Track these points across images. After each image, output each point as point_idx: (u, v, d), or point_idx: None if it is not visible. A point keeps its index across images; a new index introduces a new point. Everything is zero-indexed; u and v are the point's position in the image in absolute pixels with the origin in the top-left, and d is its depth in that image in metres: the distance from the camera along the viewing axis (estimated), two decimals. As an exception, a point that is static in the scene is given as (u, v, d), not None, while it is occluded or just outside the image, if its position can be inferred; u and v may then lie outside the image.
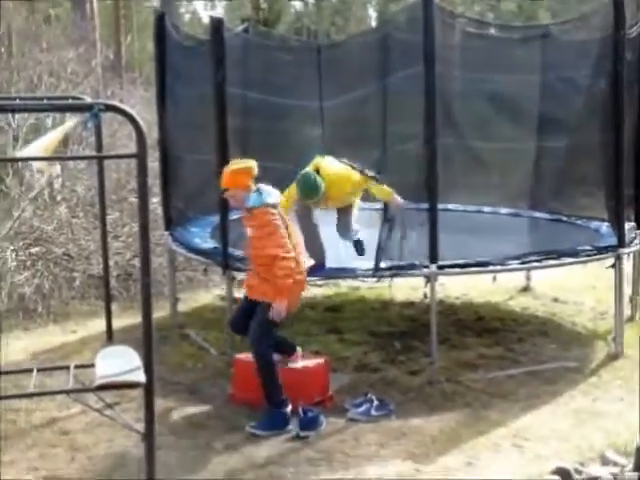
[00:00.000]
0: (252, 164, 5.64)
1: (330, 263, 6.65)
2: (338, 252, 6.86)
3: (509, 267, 6.85)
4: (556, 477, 4.62)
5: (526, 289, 9.06)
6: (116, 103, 4.11)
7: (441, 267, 6.53)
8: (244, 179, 5.59)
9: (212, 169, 6.59)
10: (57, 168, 5.10)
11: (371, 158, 7.99)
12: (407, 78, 7.17)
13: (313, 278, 7.95)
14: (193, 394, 6.08)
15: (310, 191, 6.29)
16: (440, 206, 6.68)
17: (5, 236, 9.16)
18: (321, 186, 6.27)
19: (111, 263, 8.25)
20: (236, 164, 5.70)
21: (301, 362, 6.00)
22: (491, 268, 6.84)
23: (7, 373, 4.80)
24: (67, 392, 4.30)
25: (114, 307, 7.85)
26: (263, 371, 5.56)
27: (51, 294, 8.72)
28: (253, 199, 5.58)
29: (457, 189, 8.47)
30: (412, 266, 6.55)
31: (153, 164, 8.30)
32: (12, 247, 8.99)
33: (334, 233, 6.89)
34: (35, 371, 4.60)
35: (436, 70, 6.34)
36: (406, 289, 8.84)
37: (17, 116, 10.52)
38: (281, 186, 6.01)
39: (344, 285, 9.23)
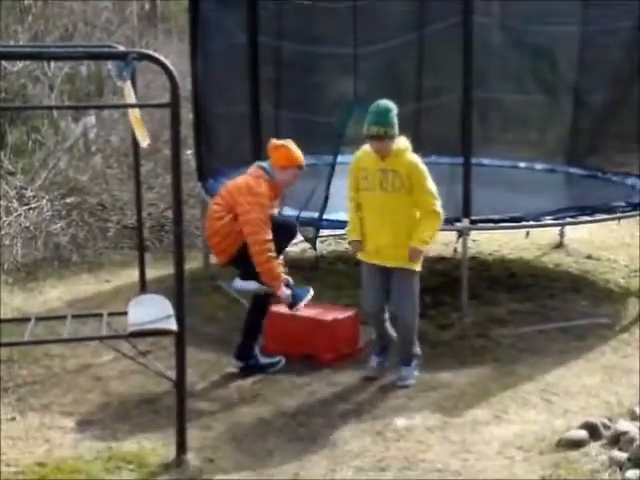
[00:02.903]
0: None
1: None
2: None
3: (543, 223, 6.80)
4: (583, 432, 4.63)
5: (559, 246, 8.98)
6: (150, 52, 4.12)
7: (474, 222, 6.49)
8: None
9: (244, 120, 6.58)
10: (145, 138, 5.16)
11: (405, 111, 7.91)
12: (444, 29, 7.06)
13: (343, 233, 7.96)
14: (224, 345, 6.14)
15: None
16: (474, 160, 6.63)
17: (41, 186, 9.25)
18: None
19: (144, 214, 8.29)
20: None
21: (331, 314, 6.03)
22: (524, 224, 6.80)
23: (42, 319, 4.88)
24: (100, 339, 4.38)
25: (147, 258, 7.89)
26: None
27: (85, 244, 8.81)
28: None
29: (492, 143, 8.40)
30: (445, 220, 6.51)
31: (187, 115, 8.32)
32: (47, 197, 9.08)
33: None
34: (70, 318, 4.69)
35: (474, 20, 6.24)
36: (437, 244, 8.80)
37: (52, 65, 10.57)
38: (311, 138, 5.98)
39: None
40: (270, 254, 5.38)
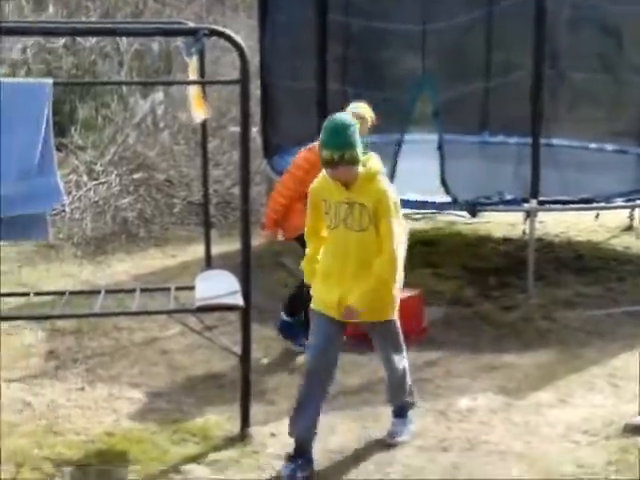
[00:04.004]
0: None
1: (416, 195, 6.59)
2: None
3: (613, 205, 6.68)
4: (651, 418, 4.53)
5: (629, 228, 8.79)
6: (220, 28, 4.13)
7: (542, 203, 6.40)
8: None
9: (311, 97, 6.57)
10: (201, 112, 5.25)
11: (473, 89, 7.83)
12: (515, 4, 6.94)
13: (408, 212, 7.90)
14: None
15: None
16: (544, 140, 6.52)
17: (110, 161, 9.40)
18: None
19: (210, 190, 8.36)
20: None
21: (396, 293, 6.00)
22: (594, 205, 6.68)
23: (111, 292, 4.97)
24: (169, 312, 4.45)
25: (212, 234, 7.97)
26: None
27: (152, 219, 8.93)
28: None
29: (562, 123, 8.23)
30: (512, 201, 6.45)
31: (255, 92, 8.35)
32: (116, 172, 9.22)
33: (422, 162, 6.78)
34: (138, 291, 4.76)
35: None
36: (504, 225, 8.72)
37: (124, 42, 10.69)
38: (376, 116, 5.95)
39: (441, 219, 9.15)
40: (277, 208, 5.53)
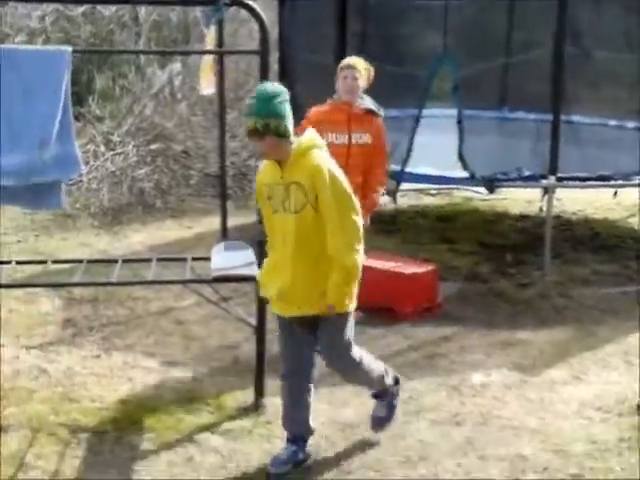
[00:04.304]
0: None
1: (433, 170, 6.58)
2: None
3: (631, 182, 6.63)
4: (666, 397, 4.52)
5: (647, 207, 8.76)
6: (241, -2, 4.11)
7: (560, 179, 6.37)
8: (369, 75, 5.25)
9: (330, 72, 6.53)
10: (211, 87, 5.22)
11: (493, 65, 7.77)
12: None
13: (425, 187, 7.88)
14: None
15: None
16: (563, 117, 6.47)
17: (127, 131, 9.40)
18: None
19: (227, 162, 8.38)
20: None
21: (411, 268, 6.02)
22: (612, 183, 6.65)
23: (128, 262, 4.98)
24: (185, 282, 4.46)
25: (228, 205, 7.97)
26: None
27: (169, 190, 8.96)
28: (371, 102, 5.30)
29: (582, 100, 8.16)
30: (530, 177, 6.42)
31: (272, 65, 8.31)
32: (133, 142, 9.23)
33: (439, 138, 6.75)
34: (155, 261, 4.78)
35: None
36: (521, 202, 8.70)
37: (143, 11, 10.66)
38: (395, 91, 5.92)
39: (457, 195, 9.14)
40: None
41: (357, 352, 3.97)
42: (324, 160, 3.74)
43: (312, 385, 4.03)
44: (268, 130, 3.62)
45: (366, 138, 5.26)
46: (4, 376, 4.80)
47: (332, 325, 3.83)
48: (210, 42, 5.18)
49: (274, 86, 3.74)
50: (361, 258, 3.72)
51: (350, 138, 5.24)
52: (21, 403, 4.48)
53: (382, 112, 5.31)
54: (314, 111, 5.31)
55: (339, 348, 3.89)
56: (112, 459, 3.99)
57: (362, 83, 5.20)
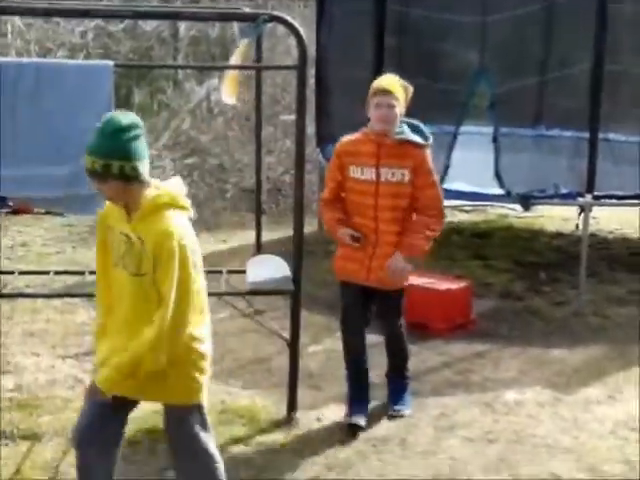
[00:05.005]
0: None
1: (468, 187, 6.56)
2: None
3: (669, 202, 6.57)
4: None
5: (686, 227, 8.67)
6: (280, 14, 4.15)
7: (597, 197, 6.33)
8: (406, 98, 4.34)
9: (365, 87, 6.56)
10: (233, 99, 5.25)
11: (531, 81, 7.75)
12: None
13: (460, 204, 7.86)
14: (334, 309, 6.17)
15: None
16: (600, 135, 6.44)
17: (164, 146, 9.51)
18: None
19: (263, 177, 8.44)
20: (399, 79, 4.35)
21: (445, 284, 6.01)
22: (650, 201, 6.59)
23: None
24: (220, 295, 4.49)
25: (263, 220, 8.05)
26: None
27: (204, 204, 9.03)
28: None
29: (619, 118, 8.11)
30: (567, 195, 6.39)
31: (308, 81, 8.37)
32: (170, 156, 9.33)
33: (475, 155, 6.74)
34: (190, 273, 4.80)
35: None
36: (557, 220, 8.64)
37: (182, 27, 10.80)
38: (432, 107, 5.91)
39: (492, 212, 9.10)
40: (325, 211, 4.54)
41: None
42: (179, 228, 2.96)
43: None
44: (109, 173, 2.90)
45: (400, 175, 4.28)
46: (40, 385, 4.86)
47: (178, 417, 3.20)
48: (239, 56, 5.20)
49: (125, 117, 2.95)
50: (159, 366, 2.96)
51: (378, 174, 4.29)
52: (56, 412, 4.53)
53: (429, 138, 4.35)
54: (341, 141, 4.50)
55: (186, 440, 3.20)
56: (146, 469, 4.03)
57: (400, 110, 4.29)
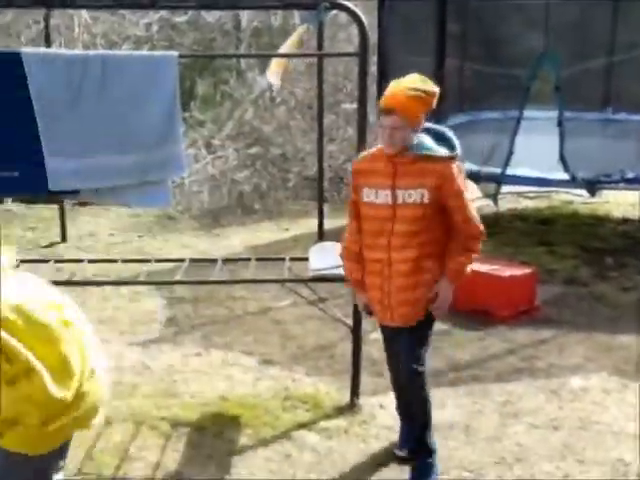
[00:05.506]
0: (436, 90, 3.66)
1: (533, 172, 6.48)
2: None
3: None
4: None
5: None
6: (342, 1, 4.16)
7: (665, 182, 6.22)
8: (420, 108, 3.65)
9: (430, 73, 6.53)
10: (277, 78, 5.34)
11: (597, 65, 7.62)
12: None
13: (524, 190, 7.78)
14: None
15: None
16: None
17: (227, 135, 9.60)
18: None
19: (324, 165, 8.46)
20: (416, 81, 3.68)
21: (509, 271, 5.96)
22: None
23: (228, 261, 5.09)
24: (283, 281, 4.54)
25: (325, 208, 8.08)
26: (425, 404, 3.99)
27: (267, 193, 9.10)
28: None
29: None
30: (634, 179, 6.28)
31: (369, 69, 8.36)
32: (233, 146, 9.42)
33: (540, 140, 6.64)
34: (253, 260, 4.88)
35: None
36: (624, 205, 8.49)
37: (245, 18, 10.87)
38: (495, 93, 5.86)
39: (556, 198, 8.99)
40: (345, 260, 4.03)
41: None
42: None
43: None
44: None
45: (419, 196, 3.65)
46: (109, 371, 4.97)
47: None
48: (292, 42, 5.25)
49: None
50: None
51: (395, 196, 3.68)
52: (125, 397, 4.63)
53: (456, 147, 3.70)
54: (358, 157, 3.97)
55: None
56: (211, 453, 4.09)
57: (408, 131, 3.62)
